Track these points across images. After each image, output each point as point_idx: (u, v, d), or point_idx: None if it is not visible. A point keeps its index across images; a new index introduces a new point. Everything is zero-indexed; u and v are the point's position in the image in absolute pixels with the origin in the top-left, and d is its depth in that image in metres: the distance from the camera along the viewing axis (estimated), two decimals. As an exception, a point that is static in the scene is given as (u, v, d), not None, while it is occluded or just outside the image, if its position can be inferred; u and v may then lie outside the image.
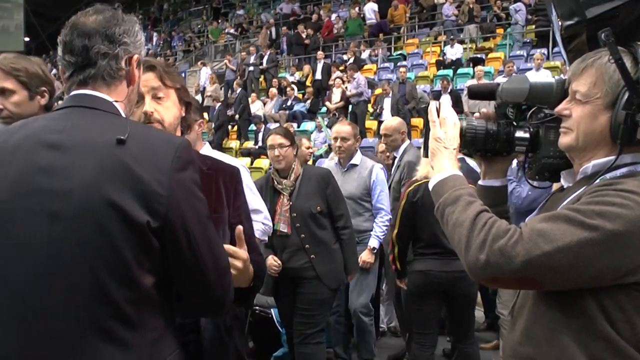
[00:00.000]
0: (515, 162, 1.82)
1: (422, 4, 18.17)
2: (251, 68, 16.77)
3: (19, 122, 1.43)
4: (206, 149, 2.98)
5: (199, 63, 19.31)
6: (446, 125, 1.52)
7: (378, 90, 13.28)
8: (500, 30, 15.87)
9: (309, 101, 14.73)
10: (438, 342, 4.07)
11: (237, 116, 14.67)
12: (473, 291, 3.88)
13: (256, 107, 15.24)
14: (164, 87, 1.82)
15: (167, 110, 1.82)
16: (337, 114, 13.06)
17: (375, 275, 4.58)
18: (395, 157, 4.95)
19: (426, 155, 1.56)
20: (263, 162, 12.27)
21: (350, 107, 13.17)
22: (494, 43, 15.48)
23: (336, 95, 13.50)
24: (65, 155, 1.28)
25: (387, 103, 12.21)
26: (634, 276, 1.24)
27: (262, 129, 13.66)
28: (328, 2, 21.48)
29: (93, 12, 1.42)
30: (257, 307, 4.80)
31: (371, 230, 4.47)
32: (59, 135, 1.31)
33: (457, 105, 11.00)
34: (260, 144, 13.34)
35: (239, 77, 17.27)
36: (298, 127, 13.39)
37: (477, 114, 1.63)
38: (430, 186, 1.48)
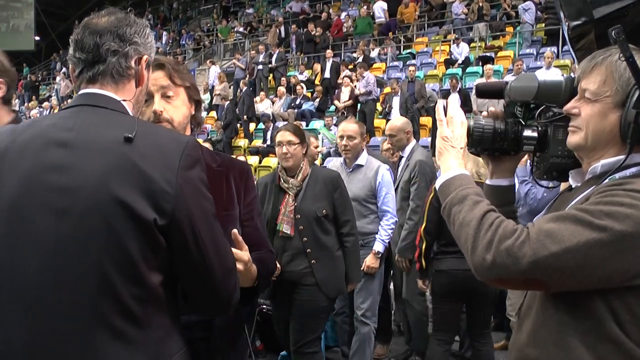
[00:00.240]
0: (529, 163, 1.80)
1: (432, 2, 18.11)
2: (260, 67, 16.79)
3: (28, 121, 1.46)
4: None
5: (208, 62, 19.36)
6: (453, 124, 1.50)
7: (387, 89, 13.26)
8: (509, 29, 15.81)
9: (317, 100, 14.73)
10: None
11: (244, 116, 14.70)
12: (491, 290, 3.84)
13: (265, 106, 15.26)
14: (174, 85, 1.82)
15: (176, 109, 1.82)
16: (345, 112, 13.05)
17: (380, 279, 4.46)
18: (401, 157, 4.86)
19: (433, 154, 1.55)
20: (272, 161, 12.28)
21: (359, 105, 13.16)
22: (503, 41, 15.41)
23: (345, 94, 13.50)
24: (73, 153, 1.30)
25: (396, 102, 12.19)
26: None
27: (271, 128, 13.68)
28: (338, 1, 21.45)
29: (105, 14, 1.46)
30: (265, 307, 4.79)
31: (376, 233, 4.32)
32: (67, 134, 1.33)
33: (466, 104, 10.97)
34: (268, 142, 13.36)
35: (247, 76, 17.31)
36: (307, 125, 13.39)
37: (484, 113, 1.61)
38: (437, 185, 1.47)
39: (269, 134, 13.61)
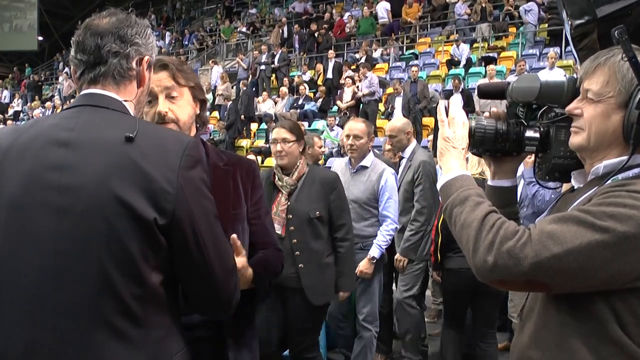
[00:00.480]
0: None
1: (434, 3, 18.11)
2: (263, 67, 16.80)
3: (30, 121, 1.47)
4: None
5: (210, 62, 19.38)
6: (455, 124, 1.50)
7: (389, 90, 13.25)
8: (512, 29, 15.79)
9: (320, 100, 14.73)
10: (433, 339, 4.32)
11: (241, 116, 14.71)
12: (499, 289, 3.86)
13: (267, 106, 15.28)
14: (178, 86, 1.82)
15: (181, 109, 1.82)
16: (347, 113, 13.06)
17: (380, 283, 4.33)
18: (402, 157, 4.72)
19: (435, 155, 1.55)
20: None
21: (361, 106, 13.16)
22: (506, 42, 15.40)
23: (347, 94, 13.51)
24: (75, 153, 1.31)
25: (399, 102, 12.18)
26: None
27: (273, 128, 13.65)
28: (341, 1, 21.46)
29: (107, 15, 1.46)
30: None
31: (375, 237, 4.17)
32: (69, 133, 1.33)
33: (469, 105, 10.97)
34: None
35: (250, 76, 17.33)
36: (309, 126, 13.40)
37: (486, 114, 1.61)
38: (438, 186, 1.47)
39: (271, 134, 13.58)
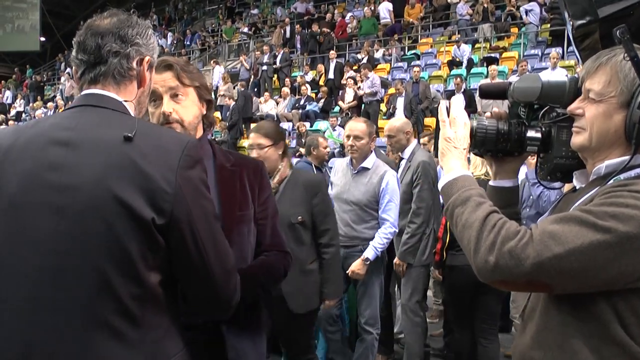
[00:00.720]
0: None
1: (435, 4, 18.10)
2: (265, 67, 16.81)
3: (31, 121, 1.47)
4: None
5: (212, 62, 19.39)
6: (456, 124, 1.49)
7: (391, 90, 13.26)
8: (514, 30, 15.78)
9: (322, 100, 14.73)
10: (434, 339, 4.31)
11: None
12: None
13: (269, 107, 15.29)
14: (182, 86, 1.82)
15: (186, 109, 1.82)
16: (349, 113, 13.06)
17: (381, 285, 4.26)
18: (401, 158, 4.63)
19: (436, 155, 1.54)
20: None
21: (363, 106, 13.16)
22: (508, 42, 15.38)
23: (349, 94, 13.51)
24: (74, 152, 1.31)
25: (400, 103, 12.18)
26: None
27: (275, 128, 13.65)
28: (342, 2, 21.46)
29: (108, 16, 1.47)
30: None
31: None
32: (68, 133, 1.33)
33: (471, 105, 10.96)
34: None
35: (252, 77, 17.34)
36: (311, 126, 13.41)
37: (487, 114, 1.60)
38: (440, 186, 1.46)
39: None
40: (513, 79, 1.60)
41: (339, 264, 3.59)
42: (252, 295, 1.87)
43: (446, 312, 4.94)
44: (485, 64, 13.52)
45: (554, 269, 1.19)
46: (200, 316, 1.69)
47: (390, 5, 17.70)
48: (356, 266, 4.04)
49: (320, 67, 16.22)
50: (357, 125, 4.21)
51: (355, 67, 15.00)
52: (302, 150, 12.27)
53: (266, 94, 15.94)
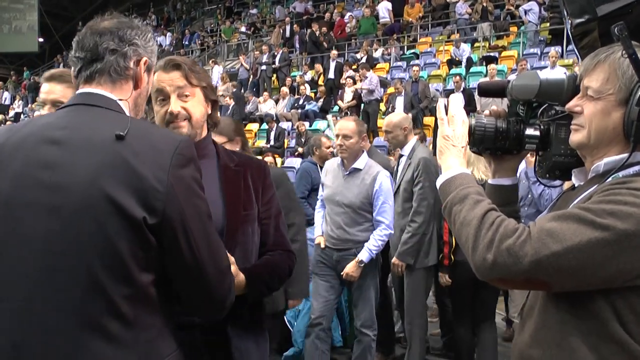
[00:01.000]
0: None
1: (433, 3, 18.11)
2: (264, 67, 16.81)
3: (25, 120, 1.48)
4: None
5: (211, 62, 19.39)
6: (454, 123, 1.49)
7: (390, 89, 13.25)
8: (513, 29, 15.78)
9: (321, 100, 14.73)
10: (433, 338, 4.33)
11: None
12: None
13: (268, 106, 15.29)
14: (190, 85, 1.83)
15: (194, 107, 1.83)
16: (349, 112, 13.06)
17: (376, 286, 4.19)
18: (401, 155, 4.49)
19: (434, 154, 1.54)
20: (266, 160, 12.27)
21: (362, 106, 13.16)
22: (507, 41, 15.38)
23: (348, 94, 13.52)
24: (66, 151, 1.30)
25: (400, 102, 12.18)
26: None
27: (274, 128, 13.68)
28: (341, 1, 21.46)
29: (109, 17, 1.47)
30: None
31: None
32: (61, 132, 1.33)
33: (470, 104, 10.96)
34: (272, 142, 13.37)
35: (251, 76, 17.34)
36: (310, 126, 13.40)
37: (486, 112, 1.60)
38: (438, 185, 1.46)
39: (272, 134, 13.62)
40: (512, 77, 1.59)
41: (305, 262, 3.54)
42: (257, 295, 1.87)
43: (442, 311, 4.96)
44: (484, 63, 13.51)
45: (552, 266, 1.19)
46: (195, 316, 1.68)
47: (389, 5, 17.70)
48: (350, 269, 3.99)
49: (318, 66, 16.22)
50: (347, 124, 4.13)
51: (354, 67, 14.99)
52: (300, 149, 12.31)
53: (265, 93, 15.94)
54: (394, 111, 12.02)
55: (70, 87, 2.02)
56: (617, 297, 1.23)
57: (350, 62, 15.80)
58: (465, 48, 14.88)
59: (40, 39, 27.56)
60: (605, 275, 1.20)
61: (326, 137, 6.20)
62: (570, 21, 1.54)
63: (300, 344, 4.53)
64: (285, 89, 15.43)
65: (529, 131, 1.53)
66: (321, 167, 5.82)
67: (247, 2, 25.55)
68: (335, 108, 14.11)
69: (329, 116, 12.70)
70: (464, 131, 1.49)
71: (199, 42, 23.28)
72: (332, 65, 15.20)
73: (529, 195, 4.15)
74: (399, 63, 15.74)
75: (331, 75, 15.16)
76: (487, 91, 1.70)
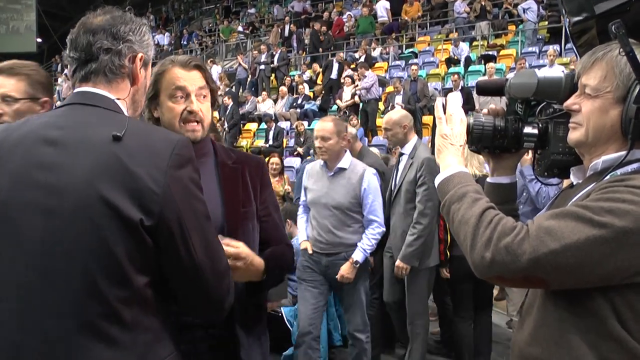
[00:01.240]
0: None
1: (432, 2, 18.11)
2: (262, 66, 16.80)
3: (22, 119, 1.44)
4: None
5: (209, 62, 19.40)
6: (452, 121, 1.49)
7: (389, 88, 13.26)
8: (512, 27, 15.78)
9: (319, 98, 14.71)
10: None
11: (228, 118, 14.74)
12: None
13: (267, 106, 15.28)
14: (206, 87, 1.85)
15: (207, 110, 1.85)
16: (347, 112, 13.06)
17: (366, 288, 4.07)
18: (402, 153, 4.36)
19: (433, 152, 1.54)
20: (273, 161, 12.25)
21: (361, 105, 13.16)
22: (505, 40, 15.39)
23: (347, 93, 13.51)
24: (63, 152, 1.28)
25: (398, 101, 12.17)
26: None
27: (273, 128, 13.68)
28: (340, 0, 21.45)
29: (101, 13, 1.44)
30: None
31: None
32: (58, 132, 1.31)
33: (468, 102, 10.97)
34: (270, 142, 13.37)
35: (250, 76, 17.34)
36: (309, 125, 13.39)
37: (484, 110, 1.60)
38: (436, 183, 1.46)
39: (271, 133, 13.62)
40: (511, 76, 1.59)
41: (277, 261, 3.39)
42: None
43: (442, 309, 4.97)
44: (483, 62, 13.51)
45: (550, 264, 1.19)
46: (192, 316, 1.67)
47: (387, 4, 17.71)
48: (345, 270, 3.88)
49: (316, 66, 16.20)
50: (324, 125, 3.96)
51: (353, 66, 14.98)
52: (299, 149, 12.31)
53: (264, 93, 15.93)
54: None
55: (22, 81, 2.00)
56: (616, 295, 1.23)
57: (348, 61, 15.79)
58: (464, 47, 14.89)
59: (39, 39, 27.52)
60: (603, 273, 1.20)
61: None
62: (568, 19, 1.53)
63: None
64: (284, 89, 15.42)
65: (527, 129, 1.54)
66: None
67: (245, 2, 25.55)
68: (334, 107, 14.10)
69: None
70: (462, 130, 1.49)
71: (197, 42, 23.26)
72: (336, 65, 15.11)
73: (524, 193, 4.15)
74: (398, 62, 15.74)
75: (334, 75, 15.08)
76: (486, 90, 1.70)
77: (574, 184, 1.48)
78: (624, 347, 1.23)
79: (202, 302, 1.41)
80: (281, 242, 1.99)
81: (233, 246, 1.66)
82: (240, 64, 17.86)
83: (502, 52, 14.43)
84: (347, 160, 3.98)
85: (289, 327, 4.71)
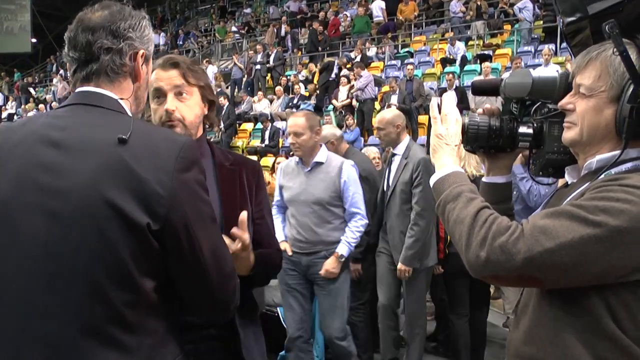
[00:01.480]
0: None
1: (428, 2, 18.12)
2: (258, 66, 16.79)
3: (24, 119, 1.42)
4: None
5: (205, 62, 19.38)
6: (447, 121, 1.49)
7: (385, 88, 13.24)
8: (507, 27, 15.80)
9: (313, 96, 14.70)
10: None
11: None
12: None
13: (262, 106, 15.28)
14: (187, 85, 1.82)
15: (189, 108, 1.81)
16: (343, 111, 13.07)
17: (347, 291, 3.92)
18: (394, 154, 4.29)
19: (428, 152, 1.54)
20: (269, 160, 12.29)
21: (357, 105, 13.16)
22: (501, 39, 15.41)
23: (342, 93, 13.50)
24: (66, 154, 1.26)
25: (394, 100, 12.17)
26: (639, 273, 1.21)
27: (269, 127, 13.68)
28: (335, 0, 21.45)
29: (99, 8, 1.40)
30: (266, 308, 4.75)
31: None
32: (61, 133, 1.28)
33: (463, 102, 10.97)
34: (266, 142, 13.37)
35: (245, 76, 17.33)
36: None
37: (479, 110, 1.61)
38: (431, 183, 1.47)
39: (267, 133, 13.62)
40: (506, 75, 1.60)
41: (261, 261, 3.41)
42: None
43: (439, 308, 4.98)
44: (478, 61, 13.53)
45: (545, 263, 1.19)
46: (198, 317, 1.67)
47: (383, 4, 17.71)
48: (330, 264, 3.76)
49: (311, 65, 16.20)
50: (296, 120, 3.85)
51: (348, 66, 14.98)
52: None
53: (259, 93, 15.92)
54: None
55: None
56: (610, 294, 1.23)
57: (344, 61, 15.78)
58: (460, 46, 14.90)
59: (33, 40, 27.43)
60: (597, 272, 1.20)
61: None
62: (562, 19, 1.54)
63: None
64: (280, 89, 15.41)
65: (522, 129, 1.54)
66: None
67: (240, 2, 25.54)
68: (330, 107, 14.11)
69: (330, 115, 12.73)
70: (457, 129, 1.49)
71: (195, 41, 23.22)
72: (336, 69, 15.04)
73: (514, 192, 4.16)
74: (394, 62, 15.74)
75: (333, 75, 15.03)
76: (481, 90, 1.70)
77: (569, 183, 1.49)
78: (619, 346, 1.23)
79: (209, 304, 1.40)
80: (272, 247, 1.98)
81: (242, 236, 1.66)
82: (236, 64, 17.85)
83: (498, 52, 14.45)
84: (323, 154, 3.89)
85: (285, 326, 4.70)
